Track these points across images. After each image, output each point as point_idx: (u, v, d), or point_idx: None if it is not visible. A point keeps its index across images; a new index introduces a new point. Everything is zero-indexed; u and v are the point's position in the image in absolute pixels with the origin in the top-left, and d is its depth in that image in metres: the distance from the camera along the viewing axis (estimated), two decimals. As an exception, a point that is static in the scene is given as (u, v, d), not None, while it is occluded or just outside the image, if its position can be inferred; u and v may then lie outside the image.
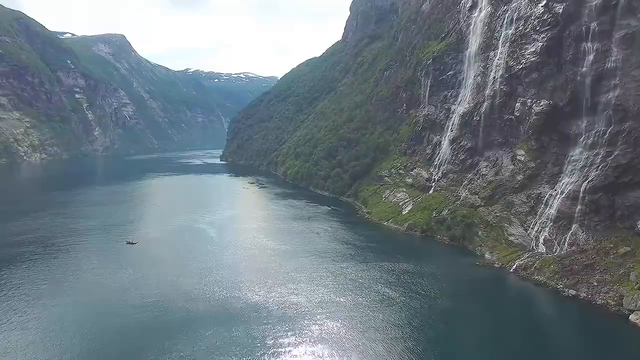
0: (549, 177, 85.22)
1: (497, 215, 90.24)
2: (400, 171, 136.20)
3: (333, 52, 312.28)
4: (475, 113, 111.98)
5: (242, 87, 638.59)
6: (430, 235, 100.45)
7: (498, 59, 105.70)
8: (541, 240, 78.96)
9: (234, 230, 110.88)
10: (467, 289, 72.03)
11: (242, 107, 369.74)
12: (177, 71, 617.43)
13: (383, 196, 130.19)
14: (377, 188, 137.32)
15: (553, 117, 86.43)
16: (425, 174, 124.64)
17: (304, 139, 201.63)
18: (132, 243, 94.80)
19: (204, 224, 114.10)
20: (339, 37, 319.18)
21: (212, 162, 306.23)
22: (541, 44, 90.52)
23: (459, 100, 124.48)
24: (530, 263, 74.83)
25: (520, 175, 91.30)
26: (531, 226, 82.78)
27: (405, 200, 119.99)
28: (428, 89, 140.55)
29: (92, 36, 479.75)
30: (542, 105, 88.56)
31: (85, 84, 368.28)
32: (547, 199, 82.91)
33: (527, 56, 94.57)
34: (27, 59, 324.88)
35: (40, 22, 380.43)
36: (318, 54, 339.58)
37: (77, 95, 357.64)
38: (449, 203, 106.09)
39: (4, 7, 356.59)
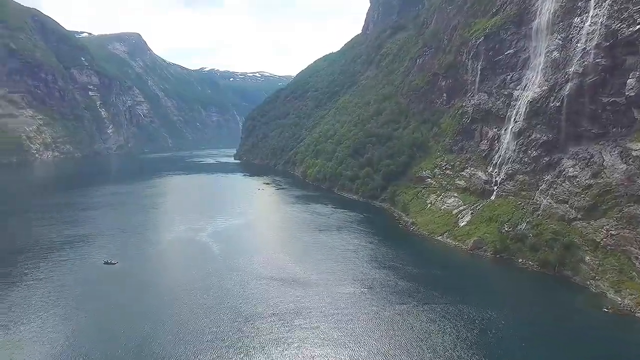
0: (698, 181, 56.31)
1: (612, 235, 61.44)
2: (447, 171, 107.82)
3: (353, 45, 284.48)
4: (552, 98, 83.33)
5: (257, 86, 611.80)
6: (507, 257, 71.87)
7: (590, 25, 76.77)
8: None
9: (244, 246, 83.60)
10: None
11: (256, 104, 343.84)
12: (193, 70, 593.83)
13: (428, 202, 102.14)
14: (418, 191, 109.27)
15: (701, 95, 57.46)
16: (482, 175, 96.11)
17: (325, 135, 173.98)
18: (110, 263, 69.09)
19: (208, 236, 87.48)
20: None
21: (225, 161, 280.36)
22: (675, -8, 61.49)
23: (523, 84, 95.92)
24: None
25: (643, 178, 62.38)
26: (680, 254, 54.02)
27: (460, 208, 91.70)
28: (478, 73, 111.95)
29: (108, 35, 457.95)
30: (680, 79, 59.52)
31: (99, 81, 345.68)
32: (700, 213, 54.03)
33: (647, 13, 65.56)
34: (41, 56, 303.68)
35: (57, 21, 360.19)
36: (319, 53, 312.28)
37: (90, 93, 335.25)
38: (526, 213, 77.52)
39: (19, 4, 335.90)
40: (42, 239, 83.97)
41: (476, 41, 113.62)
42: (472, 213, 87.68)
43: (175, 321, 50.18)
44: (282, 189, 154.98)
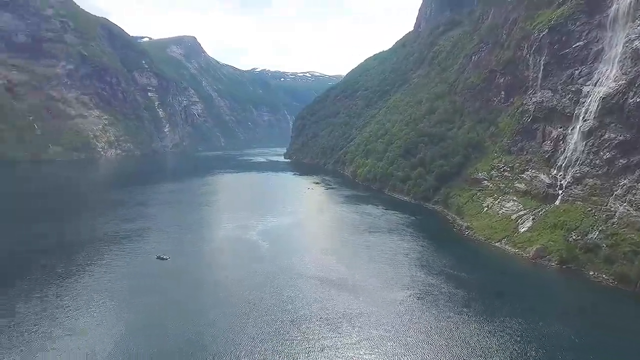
0: None
1: None
2: (506, 173, 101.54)
3: (404, 43, 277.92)
4: (632, 93, 75.85)
5: (307, 86, 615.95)
6: (575, 268, 65.79)
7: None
8: None
9: (293, 245, 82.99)
10: None
11: (307, 104, 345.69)
12: (245, 70, 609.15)
13: (484, 205, 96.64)
14: (473, 194, 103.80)
15: None
16: (545, 178, 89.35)
17: (375, 134, 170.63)
18: (162, 258, 71.12)
19: (257, 234, 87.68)
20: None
21: (276, 159, 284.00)
22: None
23: (594, 78, 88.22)
24: None
25: None
26: None
27: (520, 213, 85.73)
28: (541, 68, 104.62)
29: (166, 39, 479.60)
30: None
31: (157, 83, 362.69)
32: None
33: None
34: (107, 61, 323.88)
35: (122, 27, 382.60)
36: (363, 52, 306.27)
37: (149, 94, 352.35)
38: (598, 221, 70.76)
39: (90, 14, 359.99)
40: (102, 232, 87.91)
41: (539, 34, 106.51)
42: (533, 219, 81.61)
43: (220, 319, 50.00)
44: (332, 188, 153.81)
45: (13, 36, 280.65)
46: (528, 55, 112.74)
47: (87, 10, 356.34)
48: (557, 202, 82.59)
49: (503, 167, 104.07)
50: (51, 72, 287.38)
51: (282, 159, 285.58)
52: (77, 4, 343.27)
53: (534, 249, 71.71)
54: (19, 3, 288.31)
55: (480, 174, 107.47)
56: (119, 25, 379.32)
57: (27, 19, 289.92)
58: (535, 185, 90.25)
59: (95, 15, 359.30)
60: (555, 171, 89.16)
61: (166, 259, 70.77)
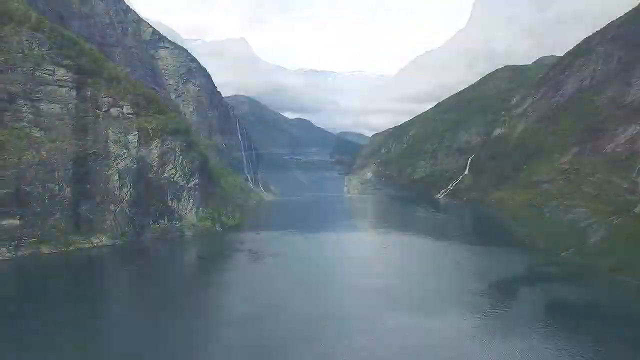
0: None
1: None
2: (570, 176, 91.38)
3: (454, 41, 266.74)
4: None
5: (354, 85, 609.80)
6: (663, 288, 56.18)
7: None
8: None
9: (337, 249, 78.07)
10: None
11: (353, 105, 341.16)
12: (293, 70, 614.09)
13: (546, 210, 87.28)
14: (532, 197, 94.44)
15: None
16: (621, 183, 78.96)
17: (422, 134, 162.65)
18: (203, 258, 70.57)
19: (300, 236, 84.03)
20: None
21: (319, 159, 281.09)
22: None
23: (683, 69, 77.07)
24: None
25: None
26: None
27: (590, 221, 75.92)
28: (615, 60, 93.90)
29: (217, 41, 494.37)
30: None
31: (206, 83, 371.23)
32: None
33: None
34: (159, 63, 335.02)
35: (176, 31, 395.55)
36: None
37: (199, 95, 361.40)
38: (690, 233, 60.65)
39: (144, 20, 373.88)
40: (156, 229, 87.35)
41: (616, 22, 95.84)
42: (606, 228, 71.78)
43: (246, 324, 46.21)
44: (377, 189, 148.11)
45: (79, 43, 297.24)
46: (598, 47, 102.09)
47: (143, 16, 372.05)
48: (637, 210, 72.27)
49: (567, 168, 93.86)
50: (109, 75, 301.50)
51: (327, 158, 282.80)
52: (135, 10, 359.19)
53: (610, 262, 62.42)
54: (85, 12, 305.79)
55: (540, 176, 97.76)
56: (172, 28, 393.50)
57: (92, 26, 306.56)
58: (609, 191, 79.96)
59: (148, 21, 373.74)
60: (635, 174, 78.66)
61: (206, 258, 69.75)
